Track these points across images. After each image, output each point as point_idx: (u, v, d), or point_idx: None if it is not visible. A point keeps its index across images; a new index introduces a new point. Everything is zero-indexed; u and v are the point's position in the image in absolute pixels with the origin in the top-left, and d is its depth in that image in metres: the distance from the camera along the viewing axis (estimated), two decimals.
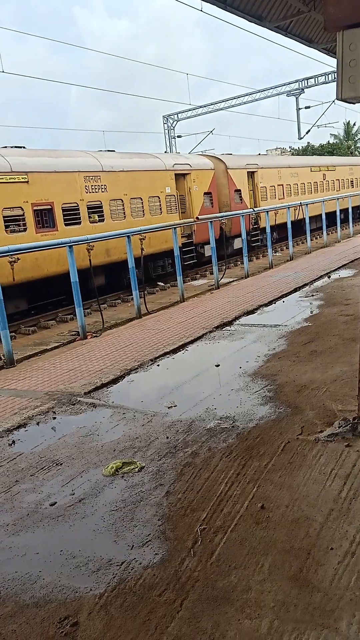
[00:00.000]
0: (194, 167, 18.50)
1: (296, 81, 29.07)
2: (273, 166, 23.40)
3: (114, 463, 4.20)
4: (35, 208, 12.62)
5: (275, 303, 10.07)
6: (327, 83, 27.53)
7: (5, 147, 13.51)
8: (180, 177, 17.79)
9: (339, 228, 20.64)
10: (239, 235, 18.80)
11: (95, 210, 14.34)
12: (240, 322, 8.80)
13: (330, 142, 54.83)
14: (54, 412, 5.55)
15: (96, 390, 6.11)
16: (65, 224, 13.33)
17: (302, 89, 28.99)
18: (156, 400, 5.69)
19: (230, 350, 7.29)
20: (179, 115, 33.08)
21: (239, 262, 17.88)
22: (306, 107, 29.92)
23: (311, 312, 8.93)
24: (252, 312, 9.44)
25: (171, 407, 5.38)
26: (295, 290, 11.02)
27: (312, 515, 3.29)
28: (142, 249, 11.82)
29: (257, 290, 11.42)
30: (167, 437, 4.64)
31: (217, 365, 6.64)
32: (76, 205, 13.73)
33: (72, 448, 4.66)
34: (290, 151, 55.68)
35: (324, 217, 18.86)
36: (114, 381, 6.39)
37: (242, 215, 15.24)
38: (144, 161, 16.64)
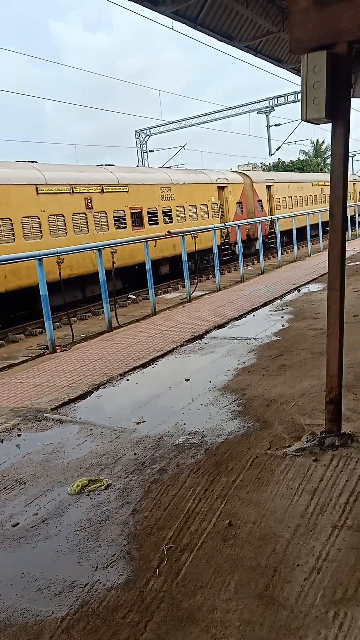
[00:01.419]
0: (230, 181, 22.73)
1: (267, 99, 29.74)
2: (284, 181, 27.71)
3: (80, 481, 4.12)
4: (131, 211, 16.91)
5: (245, 317, 10.14)
6: (296, 102, 28.23)
7: (101, 165, 17.56)
8: (220, 189, 22.13)
9: (309, 242, 21.01)
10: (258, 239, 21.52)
11: (167, 214, 18.64)
12: (211, 336, 8.82)
13: (300, 158, 55.98)
14: (19, 429, 5.43)
15: (63, 406, 6.00)
16: (149, 224, 17.64)
17: (272, 107, 29.68)
18: (125, 415, 5.62)
19: (200, 364, 7.28)
20: (151, 130, 33.38)
21: (211, 276, 18.00)
22: (276, 125, 30.64)
23: (281, 325, 9.01)
24: (222, 325, 9.48)
25: (140, 422, 5.33)
26: (266, 304, 11.13)
27: (279, 532, 3.28)
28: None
29: (228, 304, 11.49)
30: (135, 454, 4.58)
31: (187, 380, 6.61)
32: (155, 209, 18.13)
33: (37, 466, 4.56)
34: (261, 167, 56.58)
35: (294, 231, 19.19)
36: (82, 396, 6.30)
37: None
38: (197, 176, 21.12)
